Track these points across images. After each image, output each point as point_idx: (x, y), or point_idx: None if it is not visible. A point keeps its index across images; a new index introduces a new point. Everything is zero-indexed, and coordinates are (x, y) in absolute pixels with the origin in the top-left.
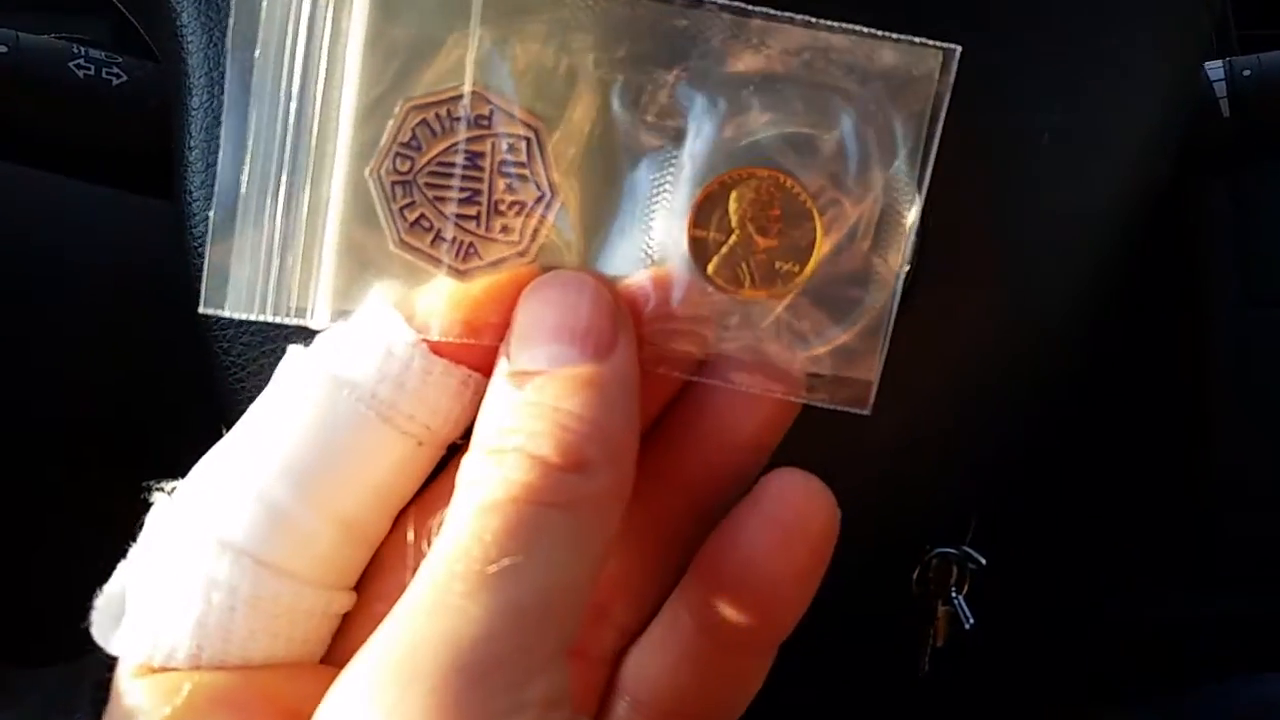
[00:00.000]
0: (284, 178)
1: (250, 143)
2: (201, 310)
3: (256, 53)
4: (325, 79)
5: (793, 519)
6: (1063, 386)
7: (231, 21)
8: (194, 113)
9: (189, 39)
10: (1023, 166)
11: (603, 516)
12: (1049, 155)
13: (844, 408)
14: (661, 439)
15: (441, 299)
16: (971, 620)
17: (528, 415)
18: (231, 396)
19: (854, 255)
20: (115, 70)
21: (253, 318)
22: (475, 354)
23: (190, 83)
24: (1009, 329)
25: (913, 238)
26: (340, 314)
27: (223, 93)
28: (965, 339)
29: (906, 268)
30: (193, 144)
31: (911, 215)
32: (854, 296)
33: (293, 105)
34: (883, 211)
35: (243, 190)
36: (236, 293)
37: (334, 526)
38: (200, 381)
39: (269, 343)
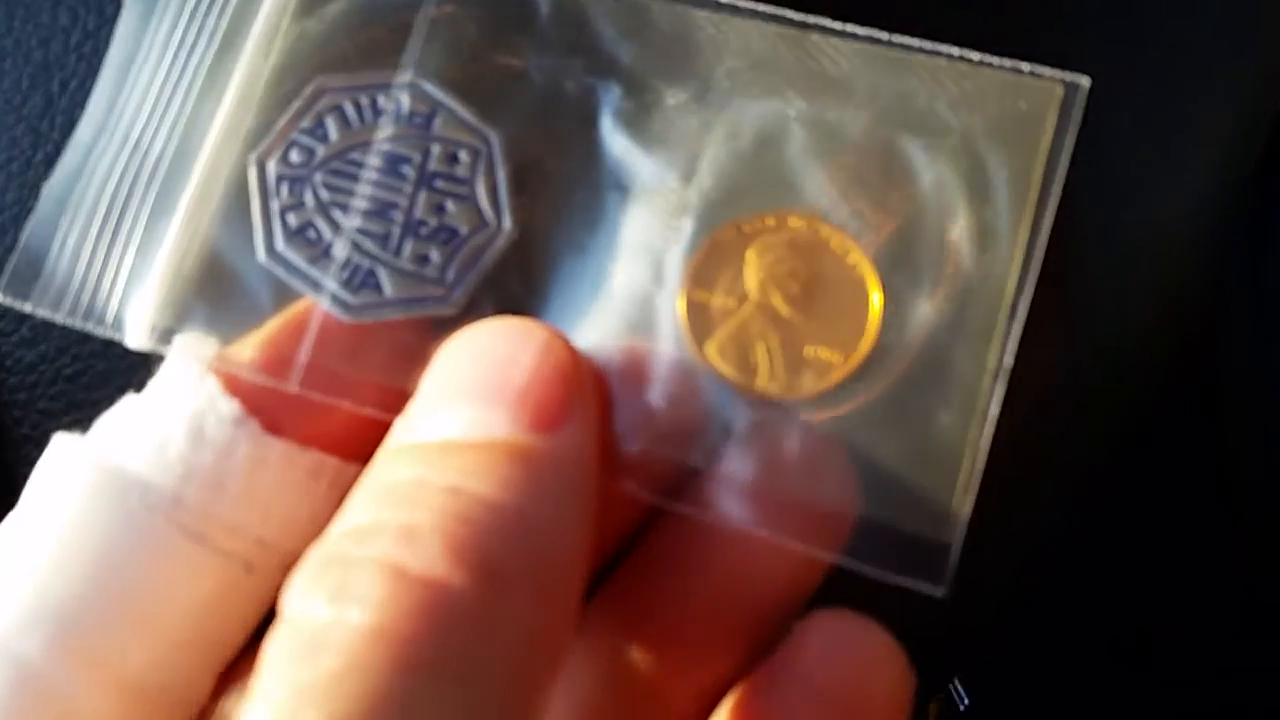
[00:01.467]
0: (148, 148)
1: (124, 99)
2: None
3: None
4: (227, 40)
5: (845, 692)
6: (1130, 441)
7: None
8: None
9: None
10: (1092, 177)
11: (521, 682)
12: (1126, 156)
13: (903, 580)
14: (638, 583)
15: (309, 336)
16: (967, 702)
17: (407, 501)
18: (25, 481)
19: (925, 344)
20: None
21: (59, 319)
22: (335, 432)
23: None
24: (1075, 373)
25: (1017, 328)
26: (167, 335)
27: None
28: (1022, 388)
29: (1007, 367)
30: None
31: (1011, 292)
32: (922, 408)
33: (184, 64)
34: (971, 287)
35: (94, 156)
36: (47, 285)
37: (119, 695)
38: None
39: (74, 410)
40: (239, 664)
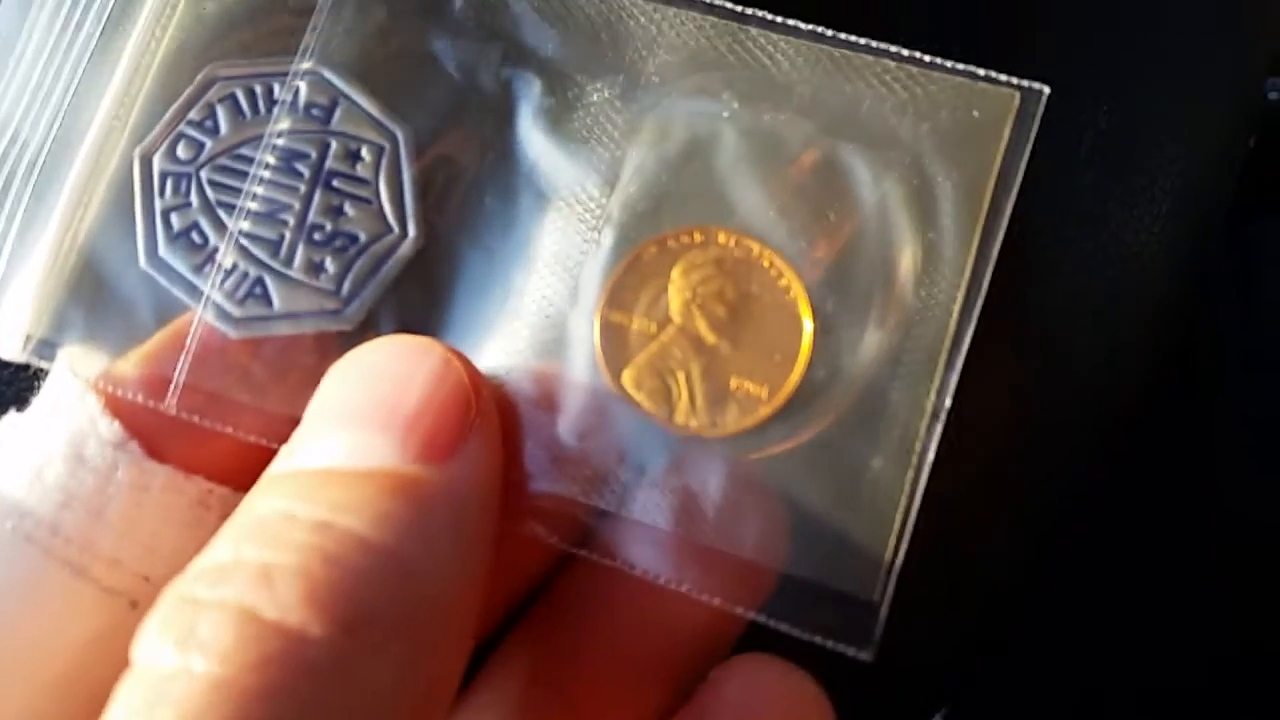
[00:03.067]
0: (24, 143)
1: (0, 84)
2: None
3: None
4: (113, 22)
5: None
6: (1098, 479)
7: None
8: None
9: None
10: (1057, 197)
11: None
12: (1089, 181)
13: (827, 641)
14: (549, 629)
15: (187, 353)
16: None
17: (270, 538)
18: None
19: (859, 381)
20: None
21: None
22: (226, 458)
23: None
24: (1036, 412)
25: (959, 361)
26: (45, 348)
27: None
28: (979, 428)
29: (945, 409)
30: None
31: (955, 322)
32: (854, 452)
33: (66, 50)
34: (913, 318)
35: None
36: None
37: None
38: None
39: None
40: None
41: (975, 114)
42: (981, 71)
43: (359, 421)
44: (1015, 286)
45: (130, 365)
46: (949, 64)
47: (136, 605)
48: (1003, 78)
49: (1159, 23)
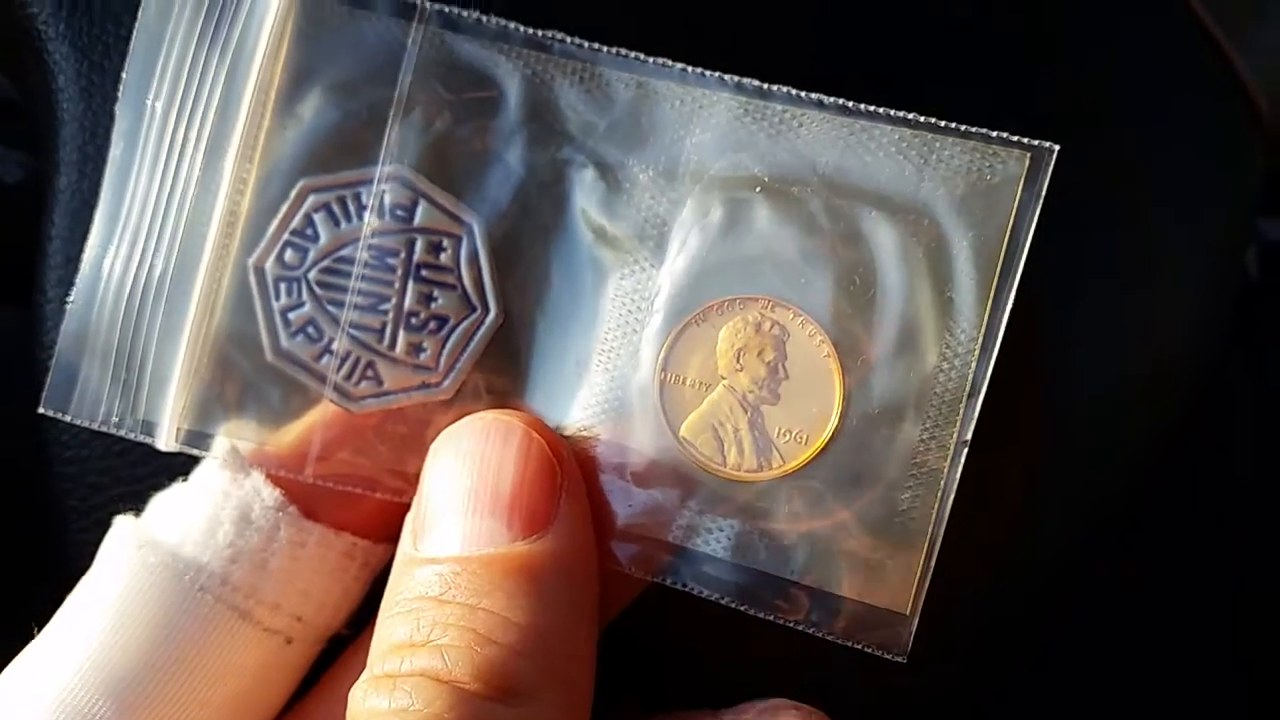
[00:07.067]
0: (151, 263)
1: (124, 214)
2: (41, 410)
3: (146, 109)
4: (211, 149)
5: None
6: (1102, 562)
7: (126, 69)
8: (60, 194)
9: (64, 105)
10: (1074, 306)
11: None
12: (1104, 294)
13: (867, 647)
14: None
15: (318, 430)
16: None
17: (434, 621)
18: (75, 553)
19: (888, 427)
20: (11, 165)
21: (96, 427)
22: (363, 513)
23: (60, 158)
24: (1048, 503)
25: (978, 404)
26: (193, 437)
27: (96, 171)
28: (995, 515)
29: (966, 444)
30: (54, 233)
31: (974, 371)
32: (886, 485)
33: (174, 176)
34: (935, 365)
35: (105, 272)
36: (82, 396)
37: None
38: (43, 532)
39: (119, 485)
40: None
41: (988, 176)
42: (994, 134)
43: (469, 510)
44: (1035, 391)
45: (271, 444)
46: (962, 128)
47: (291, 641)
48: (1016, 140)
49: (1163, 168)
